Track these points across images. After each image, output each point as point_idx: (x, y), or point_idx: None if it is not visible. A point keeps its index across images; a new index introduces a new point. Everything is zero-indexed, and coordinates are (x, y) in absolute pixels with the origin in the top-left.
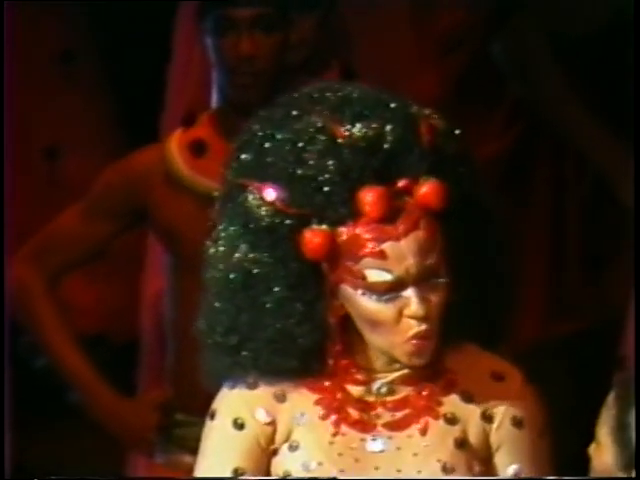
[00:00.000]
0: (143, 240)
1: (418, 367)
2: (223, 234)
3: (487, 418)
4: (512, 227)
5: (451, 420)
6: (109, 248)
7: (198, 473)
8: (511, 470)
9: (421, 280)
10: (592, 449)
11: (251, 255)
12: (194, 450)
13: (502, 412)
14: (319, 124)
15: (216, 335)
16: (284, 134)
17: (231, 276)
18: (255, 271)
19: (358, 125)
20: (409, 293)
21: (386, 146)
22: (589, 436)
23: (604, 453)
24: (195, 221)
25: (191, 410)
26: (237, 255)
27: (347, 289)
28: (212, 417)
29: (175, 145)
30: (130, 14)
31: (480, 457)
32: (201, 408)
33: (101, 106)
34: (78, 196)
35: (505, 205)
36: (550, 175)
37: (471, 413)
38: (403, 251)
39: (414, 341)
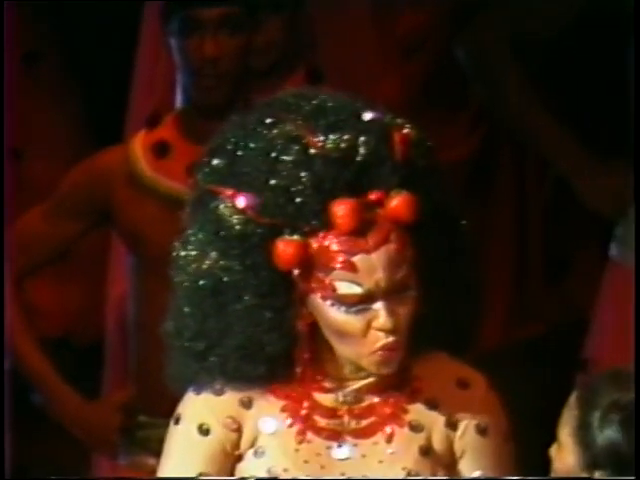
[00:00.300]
0: (107, 241)
1: (385, 376)
2: (193, 238)
3: (451, 425)
4: (475, 230)
5: (416, 427)
6: (73, 249)
7: (162, 475)
8: (475, 474)
9: (390, 293)
10: (553, 450)
11: (221, 262)
12: (157, 452)
13: (466, 420)
14: (293, 133)
15: (184, 339)
16: (257, 143)
17: (200, 282)
18: (225, 279)
19: (331, 136)
20: (378, 306)
21: (359, 158)
22: (552, 438)
23: (566, 454)
24: (158, 222)
25: (154, 412)
26: (207, 262)
27: (316, 299)
28: (177, 422)
29: (139, 146)
30: (96, 14)
31: (444, 464)
32: (164, 410)
33: (67, 107)
34: (44, 197)
35: (469, 208)
36: (512, 177)
37: (436, 420)
38: (374, 264)
39: (381, 352)
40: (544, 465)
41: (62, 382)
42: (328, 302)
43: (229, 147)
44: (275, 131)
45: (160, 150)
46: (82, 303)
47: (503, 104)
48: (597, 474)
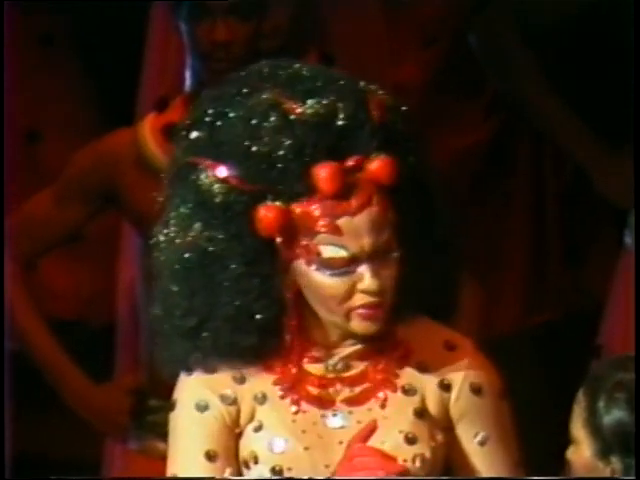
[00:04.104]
0: (120, 224)
1: (371, 336)
2: (174, 214)
3: (444, 387)
4: (492, 216)
5: (409, 391)
6: (87, 232)
7: (171, 464)
8: (479, 438)
9: (375, 256)
10: (570, 452)
11: (205, 233)
12: (167, 436)
13: (460, 380)
14: (271, 101)
15: (174, 319)
16: (236, 111)
17: (186, 256)
18: (210, 249)
19: (310, 101)
20: (362, 268)
21: (338, 123)
22: (565, 426)
23: (581, 449)
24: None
25: (165, 396)
26: (191, 234)
27: (301, 265)
28: (173, 407)
29: (148, 129)
30: None
31: (440, 426)
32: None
33: (81, 90)
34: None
35: (486, 194)
36: (530, 165)
37: (428, 383)
38: (358, 227)
39: (364, 310)
40: (557, 454)
41: (71, 365)
42: (313, 267)
43: (207, 119)
44: (253, 99)
45: (169, 133)
46: (96, 286)
47: (517, 92)
48: (613, 459)
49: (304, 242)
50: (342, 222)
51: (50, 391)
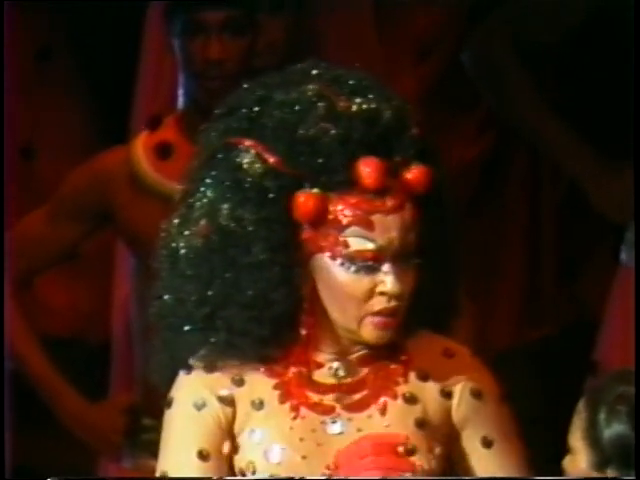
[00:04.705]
0: (116, 241)
1: (379, 346)
2: (201, 198)
3: (445, 395)
4: (489, 231)
5: (410, 400)
6: (83, 250)
7: (163, 461)
8: (484, 440)
9: (399, 256)
10: (566, 461)
11: (235, 213)
12: None
13: (460, 386)
14: (318, 91)
15: (188, 306)
16: (283, 97)
17: (211, 237)
18: (236, 230)
19: (356, 99)
20: (386, 269)
21: (382, 123)
22: (562, 440)
23: (578, 459)
24: (160, 224)
25: (159, 415)
26: (219, 216)
27: (323, 259)
28: (169, 405)
29: (140, 147)
30: (104, 14)
31: (440, 435)
32: None
33: (77, 108)
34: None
35: (482, 208)
36: (525, 178)
37: (429, 391)
38: (389, 224)
39: (380, 318)
40: (553, 467)
41: (65, 384)
42: (337, 261)
43: (248, 105)
44: (300, 89)
45: (162, 151)
46: (92, 303)
47: (510, 108)
48: (609, 472)
49: (333, 233)
50: (375, 218)
51: (45, 409)
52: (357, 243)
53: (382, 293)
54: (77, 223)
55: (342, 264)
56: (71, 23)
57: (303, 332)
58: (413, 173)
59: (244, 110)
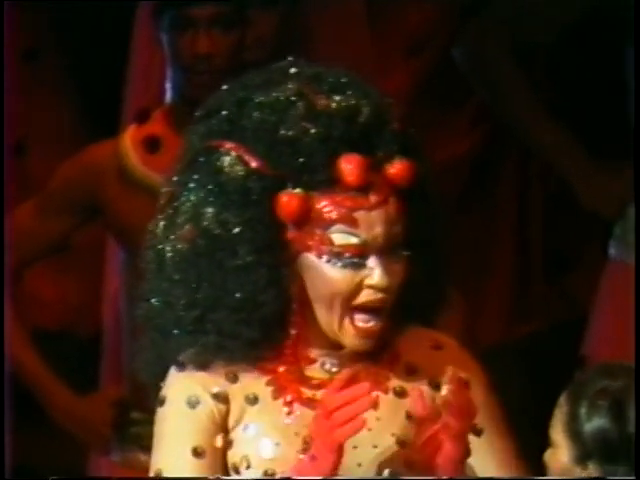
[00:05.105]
0: (106, 234)
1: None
2: (185, 202)
3: (434, 386)
4: (477, 225)
5: (400, 393)
6: (72, 242)
7: (157, 459)
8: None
9: (385, 249)
10: (548, 455)
11: (220, 217)
12: (150, 448)
13: (449, 377)
14: (297, 91)
15: (176, 310)
16: (262, 98)
17: (196, 242)
18: (221, 234)
19: (335, 97)
20: (372, 263)
21: (362, 120)
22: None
23: (559, 453)
24: (149, 217)
25: (147, 408)
26: (204, 220)
27: (309, 257)
28: (162, 403)
29: (129, 141)
30: (93, 11)
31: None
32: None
33: (67, 103)
34: None
35: (472, 203)
36: (515, 174)
37: (419, 384)
38: (373, 220)
39: (363, 315)
40: (540, 464)
41: (54, 377)
42: (324, 258)
43: (228, 106)
44: (279, 89)
45: (151, 145)
46: (82, 296)
47: (502, 104)
48: (590, 466)
49: (318, 232)
50: (359, 215)
51: (36, 403)
52: (341, 239)
53: (369, 286)
54: (66, 216)
55: (328, 261)
56: (60, 19)
57: (293, 332)
58: (396, 167)
59: (224, 112)
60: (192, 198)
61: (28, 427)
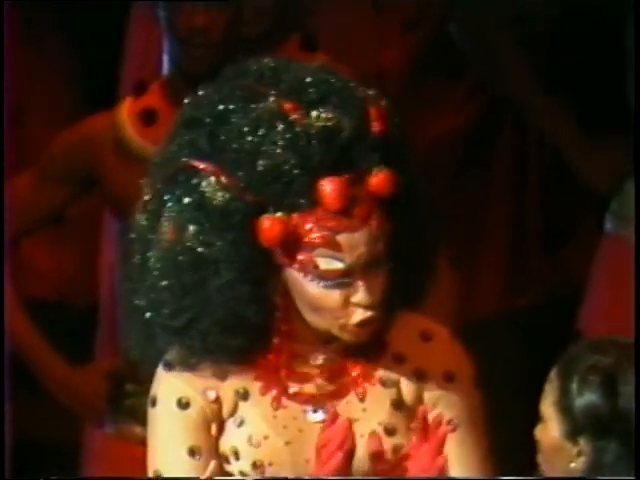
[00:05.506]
0: (103, 206)
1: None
2: (167, 210)
3: (419, 377)
4: (473, 200)
5: (387, 383)
6: (69, 213)
7: (153, 461)
8: (450, 424)
9: (369, 267)
10: (538, 430)
11: (201, 237)
12: (144, 421)
13: (434, 370)
14: (276, 110)
15: (162, 317)
16: (240, 119)
17: (179, 258)
18: (204, 253)
19: (314, 113)
20: (357, 282)
21: (343, 136)
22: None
23: (549, 427)
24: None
25: (142, 381)
26: (186, 237)
27: (294, 273)
28: (153, 404)
29: (125, 113)
30: None
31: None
32: (151, 379)
33: (66, 74)
34: None
35: (467, 178)
36: (511, 148)
37: (404, 374)
38: (356, 241)
39: (358, 328)
40: (532, 439)
41: (48, 347)
42: (308, 277)
43: (208, 121)
44: (257, 107)
45: (147, 117)
46: (78, 266)
47: (498, 78)
48: (581, 441)
49: (302, 254)
50: (342, 238)
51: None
52: (326, 264)
53: (356, 304)
54: (63, 186)
55: (312, 280)
56: None
57: (276, 340)
58: (377, 179)
59: (203, 127)
60: (174, 208)
61: (25, 398)
